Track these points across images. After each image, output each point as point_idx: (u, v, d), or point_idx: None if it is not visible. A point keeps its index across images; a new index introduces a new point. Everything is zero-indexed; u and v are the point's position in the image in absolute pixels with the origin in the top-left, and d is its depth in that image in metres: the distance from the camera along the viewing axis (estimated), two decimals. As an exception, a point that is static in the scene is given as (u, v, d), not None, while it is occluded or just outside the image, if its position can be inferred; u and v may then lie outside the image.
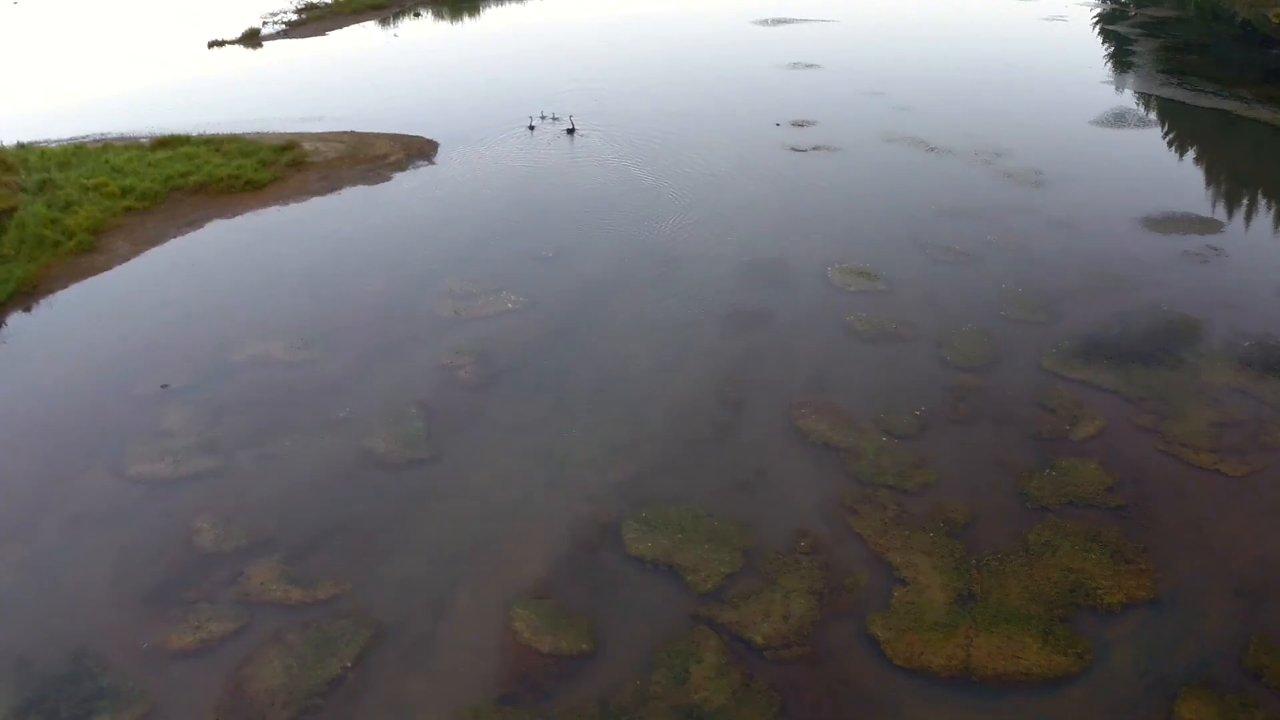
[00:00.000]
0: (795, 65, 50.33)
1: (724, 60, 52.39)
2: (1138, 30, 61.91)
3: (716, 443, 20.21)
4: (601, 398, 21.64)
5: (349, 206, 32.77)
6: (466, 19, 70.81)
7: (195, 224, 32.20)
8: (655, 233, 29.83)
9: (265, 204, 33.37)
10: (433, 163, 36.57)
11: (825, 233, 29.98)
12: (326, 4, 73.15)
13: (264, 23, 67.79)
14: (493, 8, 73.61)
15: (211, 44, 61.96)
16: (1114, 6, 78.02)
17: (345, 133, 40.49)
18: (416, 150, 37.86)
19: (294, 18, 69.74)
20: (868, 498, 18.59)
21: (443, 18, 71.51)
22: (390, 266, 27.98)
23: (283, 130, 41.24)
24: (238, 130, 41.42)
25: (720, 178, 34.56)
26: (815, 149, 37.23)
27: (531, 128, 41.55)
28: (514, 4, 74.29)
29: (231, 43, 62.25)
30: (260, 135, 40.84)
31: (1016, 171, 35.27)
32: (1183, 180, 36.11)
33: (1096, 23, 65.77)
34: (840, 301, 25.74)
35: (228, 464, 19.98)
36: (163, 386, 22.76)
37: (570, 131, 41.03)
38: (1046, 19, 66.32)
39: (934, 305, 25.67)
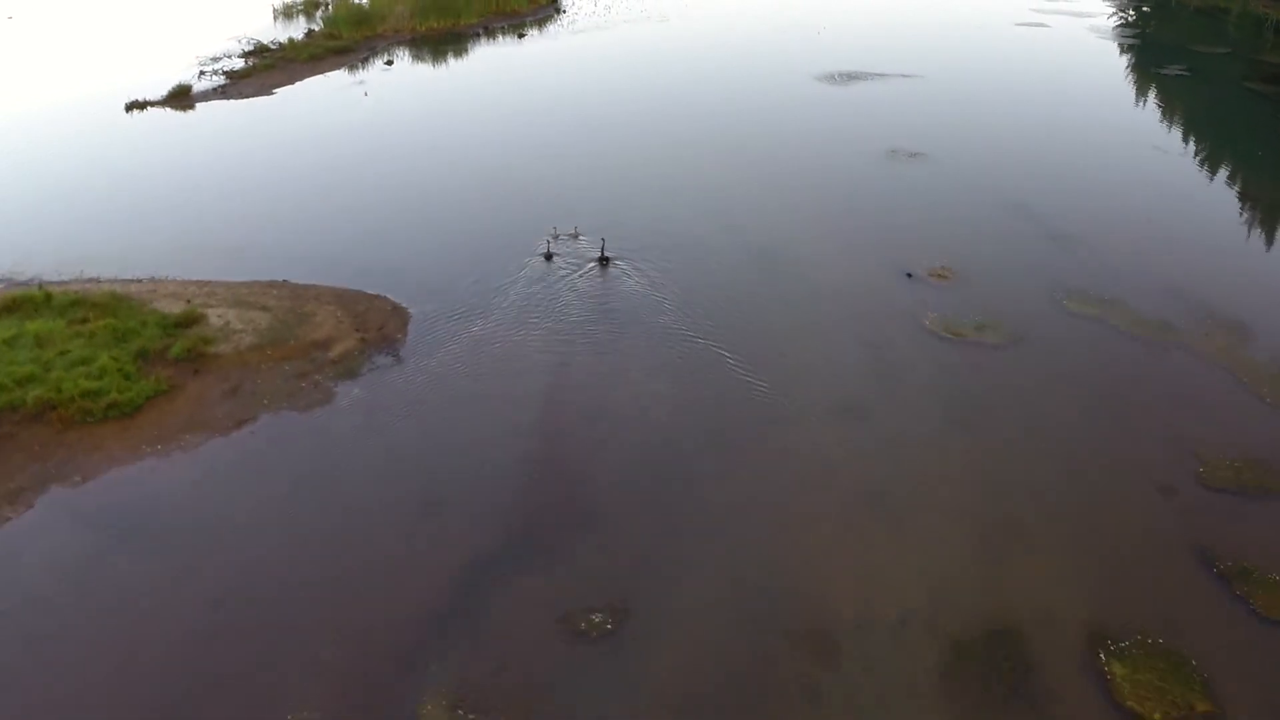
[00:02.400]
0: (894, 154, 38.69)
1: (798, 144, 40.66)
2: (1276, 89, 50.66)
3: None
4: None
5: (260, 464, 20.93)
6: (451, 61, 59.00)
7: (18, 499, 20.37)
8: (780, 556, 18.02)
9: (135, 452, 21.55)
10: (397, 357, 24.72)
11: (1059, 550, 18.35)
12: (281, 44, 61.24)
13: (201, 72, 55.86)
14: (483, 48, 61.72)
15: (130, 106, 49.96)
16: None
17: (274, 285, 28.69)
18: (375, 329, 26.03)
19: (239, 64, 57.81)
20: None
21: (423, 60, 59.67)
22: (322, 651, 16.16)
23: (187, 277, 29.45)
24: (125, 274, 29.83)
25: (851, 391, 22.82)
26: (978, 330, 25.55)
27: (549, 256, 30.07)
28: (510, 45, 62.34)
29: (155, 104, 50.28)
30: (155, 285, 29.13)
31: (1292, 381, 23.80)
32: None
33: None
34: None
35: None
36: None
37: (603, 262, 29.73)
38: (1170, 74, 54.83)
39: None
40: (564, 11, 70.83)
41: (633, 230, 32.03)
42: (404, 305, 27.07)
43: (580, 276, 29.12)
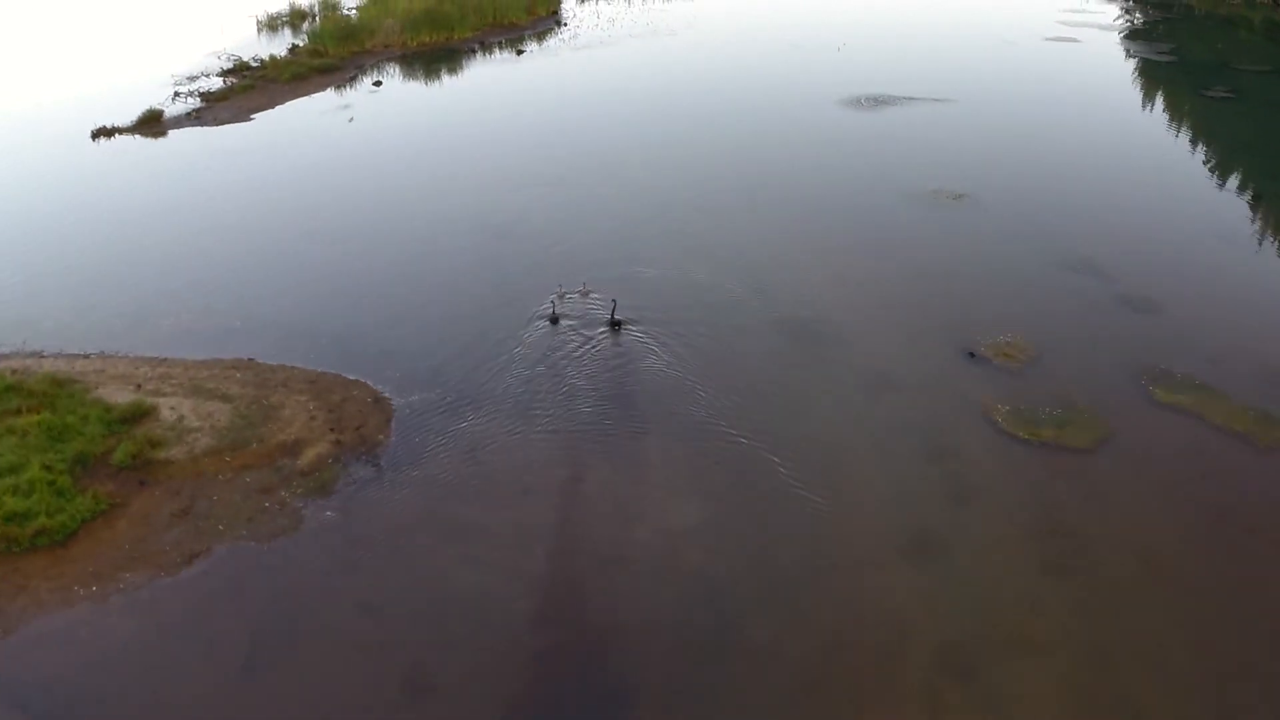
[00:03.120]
0: (936, 196, 35.23)
1: (828, 182, 37.13)
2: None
3: None
4: None
5: (212, 620, 17.40)
6: (445, 80, 55.45)
7: (-85, 662, 16.88)
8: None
9: (67, 596, 18.06)
10: (378, 466, 21.18)
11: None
12: (263, 61, 57.65)
13: (176, 93, 52.35)
14: (479, 66, 58.16)
15: (97, 133, 46.44)
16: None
17: (238, 366, 25.16)
18: (352, 429, 22.46)
19: (218, 84, 54.27)
20: None
21: (414, 78, 56.11)
22: None
23: (141, 352, 25.93)
24: (72, 347, 26.35)
25: (921, 518, 19.27)
26: (1058, 428, 22.06)
27: (555, 319, 26.86)
28: (508, 63, 58.82)
29: (124, 130, 46.77)
30: (104, 363, 25.65)
31: None
32: None
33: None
34: None
35: None
36: None
37: (615, 327, 26.58)
38: (1216, 97, 51.32)
39: None
40: (565, 25, 67.35)
41: (648, 288, 28.66)
42: (386, 395, 23.53)
43: (591, 350, 25.66)
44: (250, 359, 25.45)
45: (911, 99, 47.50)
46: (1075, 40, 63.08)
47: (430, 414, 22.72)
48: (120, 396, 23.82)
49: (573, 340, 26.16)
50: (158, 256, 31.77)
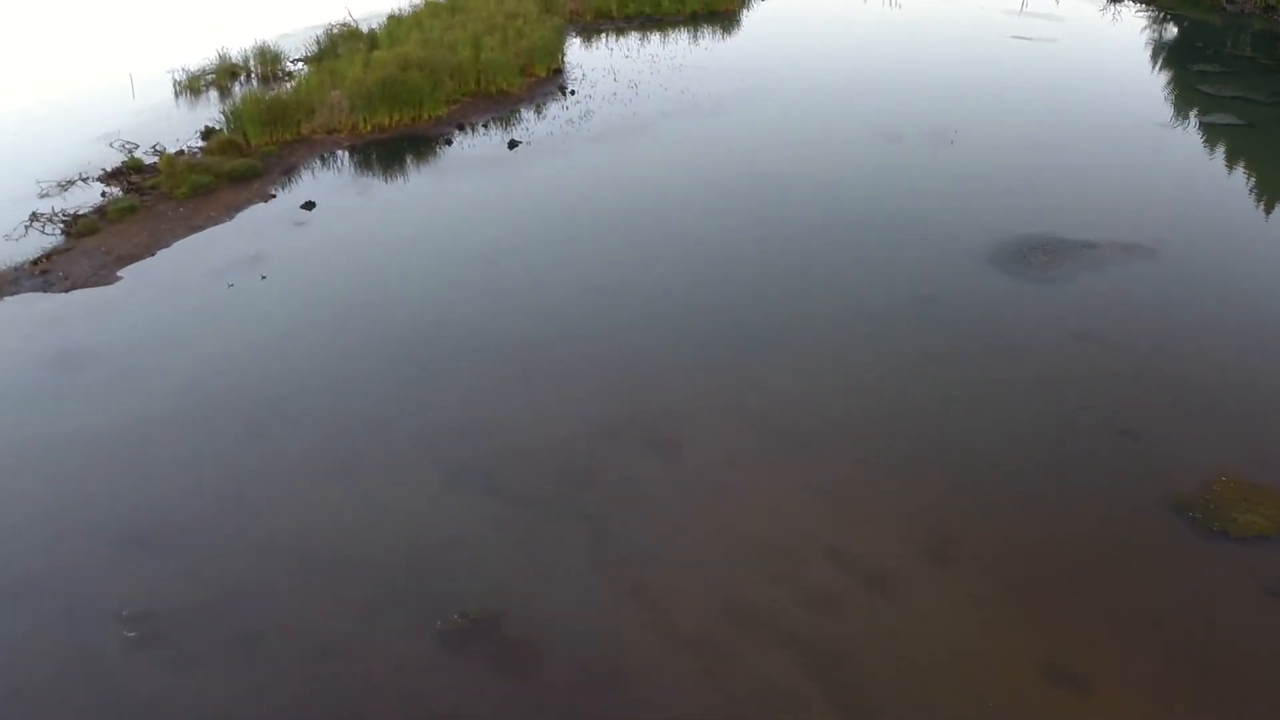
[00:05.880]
0: (1232, 512, 20.77)
1: (1035, 484, 22.33)
2: None
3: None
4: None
5: None
6: (403, 194, 41.02)
7: None
8: None
9: None
10: None
11: None
12: (160, 155, 43.23)
13: (33, 216, 38.02)
14: (453, 170, 43.66)
15: (-106, 292, 32.14)
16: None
17: None
18: None
19: (97, 194, 40.13)
20: None
21: (363, 188, 41.59)
22: None
23: None
24: None
25: None
26: None
27: None
28: (495, 165, 44.25)
29: (-66, 292, 32.45)
30: None
31: None
32: None
33: None
34: None
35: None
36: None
37: None
38: None
39: None
40: (571, 92, 52.84)
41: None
42: None
43: None
44: None
45: (1090, 245, 33.12)
46: (1241, 124, 48.72)
47: None
48: None
49: None
50: None
